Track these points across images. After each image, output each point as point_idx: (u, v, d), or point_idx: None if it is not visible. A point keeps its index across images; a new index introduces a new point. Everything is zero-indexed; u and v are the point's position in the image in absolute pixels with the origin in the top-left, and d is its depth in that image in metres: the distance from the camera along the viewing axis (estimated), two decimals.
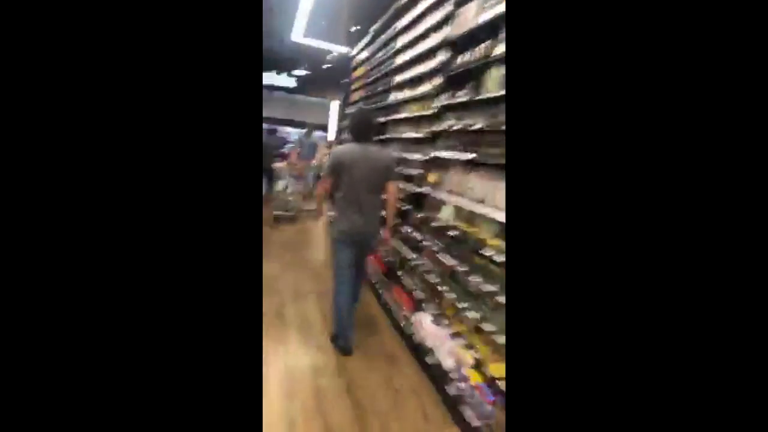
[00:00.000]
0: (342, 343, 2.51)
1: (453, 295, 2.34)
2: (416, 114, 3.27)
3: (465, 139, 2.44)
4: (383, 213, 2.54)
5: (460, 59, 2.54)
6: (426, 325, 2.59)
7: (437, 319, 2.54)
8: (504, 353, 1.93)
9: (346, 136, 6.17)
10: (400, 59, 3.82)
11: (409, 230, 3.15)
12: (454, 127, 2.46)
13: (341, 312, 2.49)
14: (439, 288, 2.48)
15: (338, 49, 8.43)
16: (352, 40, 6.68)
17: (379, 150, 2.38)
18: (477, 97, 2.26)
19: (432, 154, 2.81)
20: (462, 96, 2.45)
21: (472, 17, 2.43)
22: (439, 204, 2.69)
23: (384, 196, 2.41)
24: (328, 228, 5.27)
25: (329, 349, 2.63)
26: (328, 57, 9.32)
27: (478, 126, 2.18)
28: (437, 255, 2.62)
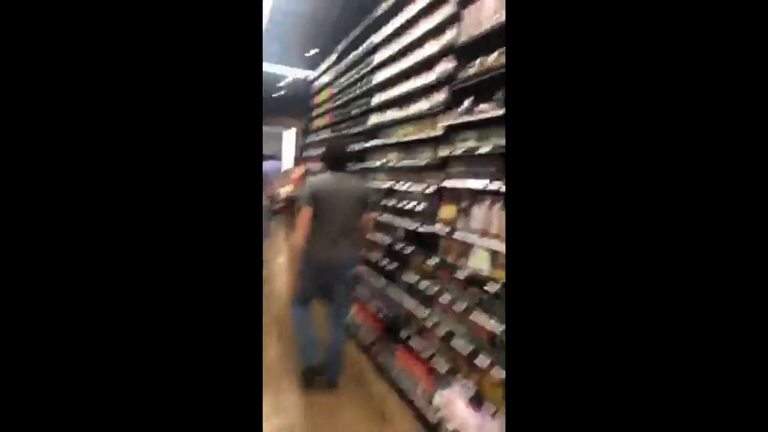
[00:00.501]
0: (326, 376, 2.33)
1: (501, 373, 1.73)
2: (410, 138, 2.75)
3: (494, 164, 1.93)
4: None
5: (478, 66, 2.07)
6: (461, 411, 1.95)
7: (476, 401, 1.91)
8: None
9: (312, 165, 5.53)
10: (381, 76, 3.33)
11: (415, 279, 2.54)
12: (481, 150, 1.94)
13: (306, 336, 2.33)
14: (479, 360, 1.87)
15: (294, 74, 7.89)
16: (312, 63, 6.18)
17: (355, 179, 2.33)
18: None
19: (444, 184, 2.27)
20: (489, 110, 1.96)
21: (491, 14, 1.99)
22: (462, 247, 2.12)
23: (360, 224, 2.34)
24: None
25: None
26: (281, 84, 8.73)
27: None
28: (467, 314, 2.02)
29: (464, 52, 2.25)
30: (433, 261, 2.33)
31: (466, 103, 2.17)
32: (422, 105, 2.68)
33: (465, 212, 2.12)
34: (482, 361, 1.85)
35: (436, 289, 2.30)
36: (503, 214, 1.82)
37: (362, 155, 3.73)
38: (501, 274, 1.81)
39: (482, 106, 2.03)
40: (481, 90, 2.10)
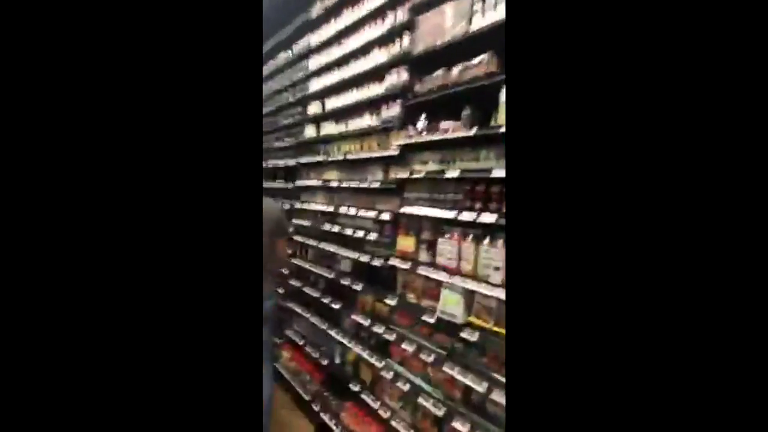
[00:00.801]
0: None
1: None
2: (358, 155, 2.45)
3: (461, 191, 1.72)
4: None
5: (439, 80, 1.86)
6: None
7: None
8: None
9: None
10: (318, 84, 2.99)
11: (366, 321, 2.21)
12: (448, 174, 1.72)
13: None
14: (454, 423, 1.60)
15: None
16: None
17: (272, 201, 2.16)
18: (483, 131, 1.58)
19: (403, 211, 2.00)
20: (454, 129, 1.75)
21: (451, 25, 1.81)
22: (427, 286, 1.86)
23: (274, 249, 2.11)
24: None
25: None
26: None
27: (500, 173, 1.48)
28: (435, 367, 1.75)
29: (420, 64, 2.03)
30: (392, 300, 2.03)
31: (424, 120, 1.95)
32: (368, 119, 2.40)
33: (428, 245, 1.87)
34: (459, 425, 1.59)
35: (395, 335, 2.00)
36: (474, 247, 1.60)
37: (293, 172, 3.31)
38: (480, 320, 1.58)
39: (445, 125, 1.82)
40: (441, 106, 1.90)
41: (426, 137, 1.89)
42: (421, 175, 1.89)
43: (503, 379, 1.50)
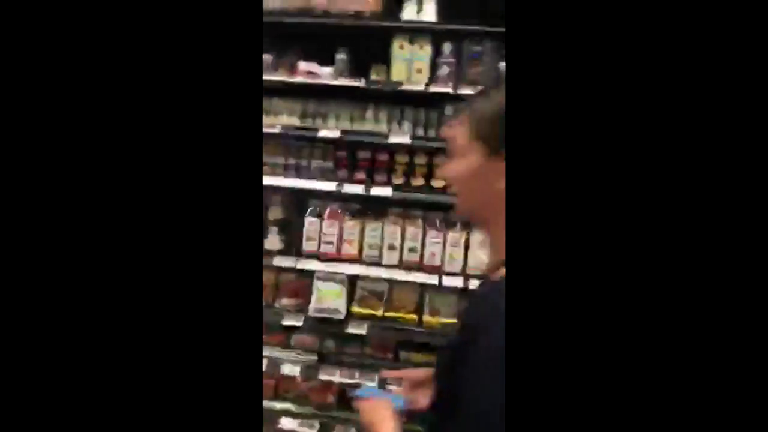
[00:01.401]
0: None
1: None
2: None
3: (333, 155, 1.43)
4: None
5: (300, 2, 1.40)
6: None
7: None
8: None
9: None
10: None
11: None
12: (326, 133, 1.37)
13: None
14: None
15: None
16: None
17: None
18: (378, 86, 1.36)
19: None
20: (326, 74, 1.39)
21: None
22: (279, 281, 1.45)
23: None
24: None
25: None
26: None
27: (400, 138, 1.34)
28: (301, 376, 1.43)
29: None
30: None
31: (270, 54, 1.44)
32: None
33: (282, 228, 1.45)
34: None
35: None
36: (364, 227, 1.39)
37: None
38: (363, 310, 1.40)
39: (309, 67, 1.41)
40: (293, 40, 1.46)
41: (276, 77, 1.40)
42: (275, 129, 1.40)
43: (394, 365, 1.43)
